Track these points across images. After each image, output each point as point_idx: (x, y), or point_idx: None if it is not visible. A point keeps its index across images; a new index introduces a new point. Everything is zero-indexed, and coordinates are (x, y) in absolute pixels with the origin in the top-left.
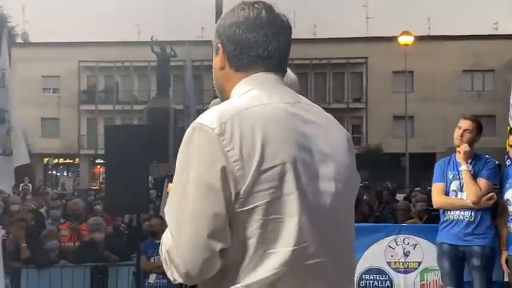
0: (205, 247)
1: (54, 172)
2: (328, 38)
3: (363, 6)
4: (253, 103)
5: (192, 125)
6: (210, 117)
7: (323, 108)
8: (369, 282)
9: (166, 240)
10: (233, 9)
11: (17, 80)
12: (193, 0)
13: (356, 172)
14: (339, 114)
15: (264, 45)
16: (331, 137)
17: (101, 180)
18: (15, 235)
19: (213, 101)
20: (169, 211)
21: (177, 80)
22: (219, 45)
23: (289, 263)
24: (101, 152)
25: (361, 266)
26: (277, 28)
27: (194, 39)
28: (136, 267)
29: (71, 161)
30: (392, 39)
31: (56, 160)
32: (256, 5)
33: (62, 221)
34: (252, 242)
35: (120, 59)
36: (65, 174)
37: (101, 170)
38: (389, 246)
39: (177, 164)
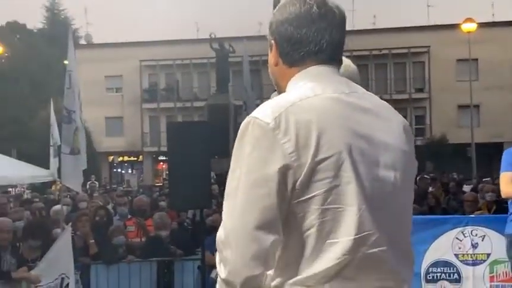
0: (253, 239)
1: (119, 170)
2: (388, 28)
3: None
4: (306, 95)
5: (246, 119)
6: (264, 111)
7: (385, 99)
8: (437, 275)
9: (219, 233)
10: (284, 5)
11: (81, 81)
12: None
13: (414, 160)
14: (401, 105)
15: (316, 40)
16: (388, 125)
17: (164, 176)
18: (82, 231)
19: (274, 93)
20: (224, 204)
21: (236, 75)
22: (272, 42)
23: (351, 252)
24: (164, 149)
25: (428, 259)
26: (329, 21)
27: (252, 35)
28: (201, 261)
29: (135, 159)
30: (455, 26)
31: (121, 158)
32: (308, 0)
33: (129, 217)
34: (311, 233)
35: (180, 57)
36: (129, 171)
37: (163, 166)
38: (457, 238)
39: (232, 157)
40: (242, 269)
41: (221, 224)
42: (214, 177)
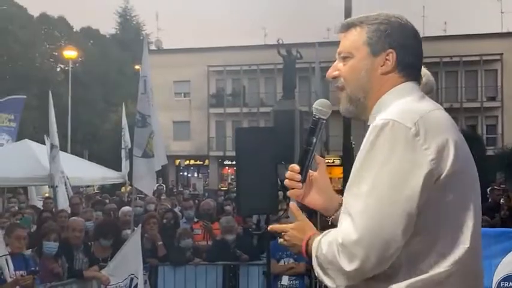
0: (390, 243)
1: (185, 173)
2: (459, 35)
3: (497, 1)
4: (432, 106)
5: (380, 121)
6: (401, 116)
7: (455, 108)
8: None
9: (346, 230)
10: (392, 16)
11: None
12: (319, 2)
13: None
14: (472, 114)
15: (420, 57)
16: (465, 142)
17: (229, 181)
18: (150, 233)
19: (321, 101)
20: (353, 200)
21: (302, 82)
22: (391, 51)
23: (461, 263)
24: (229, 153)
25: (499, 273)
26: (420, 41)
27: (320, 41)
28: (267, 267)
29: (201, 163)
30: None
31: (187, 161)
32: (403, 18)
33: (195, 220)
34: (430, 238)
35: (247, 63)
36: (196, 175)
37: (229, 171)
38: None
39: (361, 156)
40: (371, 269)
41: (347, 220)
42: (280, 183)
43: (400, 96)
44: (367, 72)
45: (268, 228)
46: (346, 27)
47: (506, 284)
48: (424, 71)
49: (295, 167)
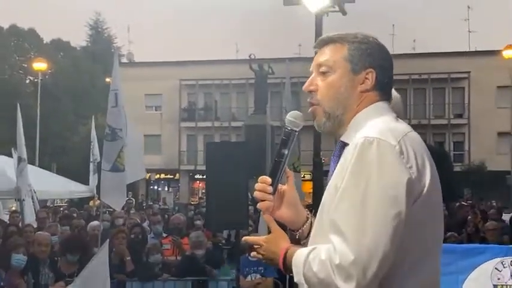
0: (385, 259)
1: (155, 187)
2: (428, 53)
3: (464, 20)
4: (407, 128)
5: (362, 139)
6: (384, 134)
7: (423, 124)
8: None
9: (330, 252)
10: (370, 37)
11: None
12: (291, 18)
13: None
14: (439, 131)
15: (392, 79)
16: None
17: (200, 195)
18: (119, 248)
19: (294, 113)
20: (343, 217)
21: (274, 97)
22: (371, 71)
23: (428, 281)
24: (200, 167)
25: None
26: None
27: (291, 56)
28: (236, 282)
29: (172, 176)
30: (495, 53)
31: (158, 175)
32: (378, 40)
33: (165, 235)
34: (401, 256)
35: (219, 77)
36: (166, 189)
37: (200, 185)
38: (496, 268)
39: (350, 175)
40: (366, 286)
41: (339, 238)
42: (251, 197)
43: (377, 115)
44: (346, 89)
45: (242, 239)
46: (326, 42)
47: None
48: (394, 93)
49: (267, 179)
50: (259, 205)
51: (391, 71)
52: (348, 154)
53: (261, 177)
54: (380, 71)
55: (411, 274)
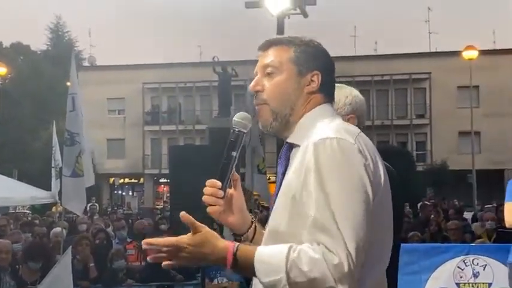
0: (365, 249)
1: (119, 192)
2: (389, 54)
3: (425, 22)
4: (357, 129)
5: (325, 138)
6: (341, 134)
7: (386, 125)
8: None
9: (321, 251)
10: (314, 41)
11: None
12: (253, 21)
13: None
14: (402, 131)
15: (334, 82)
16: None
17: (164, 199)
18: (82, 254)
19: (241, 114)
20: (328, 217)
21: (238, 99)
22: (317, 73)
23: (379, 280)
24: (165, 171)
25: (429, 287)
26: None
27: (255, 59)
28: (202, 286)
29: (136, 181)
30: (456, 53)
31: (122, 180)
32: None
33: (129, 240)
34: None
35: (183, 80)
36: (130, 193)
37: (164, 189)
38: (458, 267)
39: (316, 174)
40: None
41: (328, 237)
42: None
43: (325, 116)
44: (293, 91)
45: (143, 243)
46: (271, 44)
47: None
48: (359, 96)
49: (216, 182)
50: (208, 209)
51: (334, 74)
52: (307, 154)
53: (210, 180)
54: (325, 73)
55: (369, 272)
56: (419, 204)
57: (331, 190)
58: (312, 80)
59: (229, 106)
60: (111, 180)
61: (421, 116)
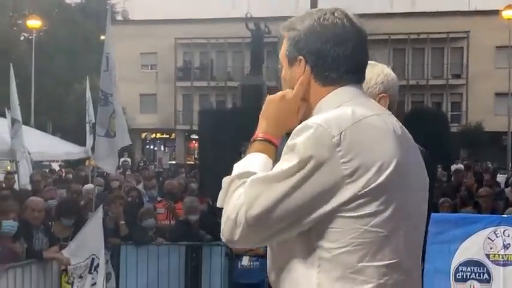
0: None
1: (151, 147)
2: (427, 12)
3: None
4: (366, 113)
5: (307, 122)
6: (328, 122)
7: (421, 85)
8: (466, 275)
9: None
10: (312, 18)
11: (116, 57)
12: None
13: (427, 193)
14: (437, 91)
15: (353, 59)
16: (414, 149)
17: (195, 155)
18: (115, 212)
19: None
20: (264, 183)
21: (270, 56)
22: (301, 58)
23: (383, 278)
24: (196, 127)
25: (458, 258)
26: (362, 39)
27: (288, 15)
28: (229, 247)
29: (168, 136)
30: (495, 13)
31: (154, 135)
32: (336, 14)
33: (159, 199)
34: (346, 251)
35: (215, 36)
36: (162, 149)
37: (196, 145)
38: (489, 238)
39: (284, 151)
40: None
41: (250, 192)
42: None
43: (323, 107)
44: (289, 83)
45: None
46: (283, 32)
47: (464, 269)
48: (391, 74)
49: None
50: None
51: (340, 50)
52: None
53: None
54: (313, 55)
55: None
56: (452, 167)
57: (277, 166)
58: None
59: (261, 64)
60: (143, 135)
61: (457, 76)
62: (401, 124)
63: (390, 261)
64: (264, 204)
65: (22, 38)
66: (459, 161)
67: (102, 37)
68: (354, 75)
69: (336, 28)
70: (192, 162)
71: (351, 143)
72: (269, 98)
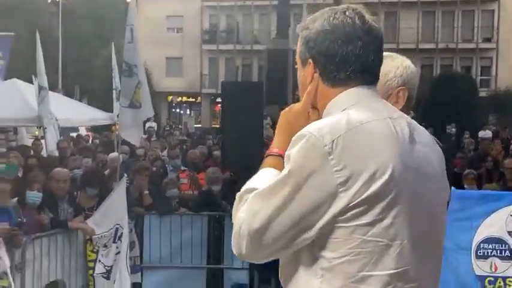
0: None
1: (177, 110)
2: None
3: None
4: (361, 120)
5: (302, 131)
6: (321, 130)
7: (451, 48)
8: (488, 251)
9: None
10: (323, 17)
11: (142, 19)
12: None
13: (448, 185)
14: (467, 55)
15: (363, 58)
16: (431, 154)
17: (221, 119)
18: (139, 182)
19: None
20: (264, 204)
21: (297, 20)
22: (310, 60)
23: (386, 287)
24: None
25: (480, 235)
26: (373, 37)
27: None
28: None
29: (193, 100)
30: None
31: (179, 98)
32: (347, 13)
33: (182, 168)
34: (345, 260)
35: None
36: (188, 112)
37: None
38: (511, 215)
39: (286, 159)
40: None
41: (250, 209)
42: (271, 123)
43: (332, 110)
44: (302, 85)
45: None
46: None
47: (485, 246)
48: (411, 67)
49: None
50: None
51: (349, 48)
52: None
53: None
54: (322, 56)
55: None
56: (480, 134)
57: (281, 187)
58: (314, 72)
59: (288, 27)
60: (169, 98)
61: (488, 40)
62: (415, 126)
63: (393, 271)
64: (263, 218)
65: (49, 1)
66: (487, 127)
67: (129, 0)
68: (364, 75)
69: (345, 27)
70: (218, 126)
71: (343, 151)
72: (282, 111)
